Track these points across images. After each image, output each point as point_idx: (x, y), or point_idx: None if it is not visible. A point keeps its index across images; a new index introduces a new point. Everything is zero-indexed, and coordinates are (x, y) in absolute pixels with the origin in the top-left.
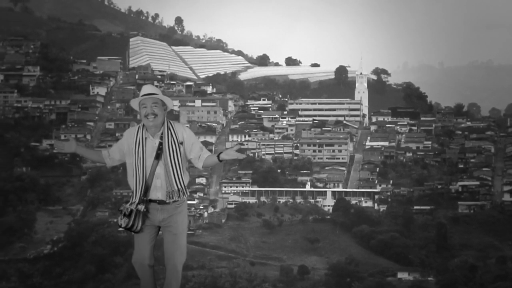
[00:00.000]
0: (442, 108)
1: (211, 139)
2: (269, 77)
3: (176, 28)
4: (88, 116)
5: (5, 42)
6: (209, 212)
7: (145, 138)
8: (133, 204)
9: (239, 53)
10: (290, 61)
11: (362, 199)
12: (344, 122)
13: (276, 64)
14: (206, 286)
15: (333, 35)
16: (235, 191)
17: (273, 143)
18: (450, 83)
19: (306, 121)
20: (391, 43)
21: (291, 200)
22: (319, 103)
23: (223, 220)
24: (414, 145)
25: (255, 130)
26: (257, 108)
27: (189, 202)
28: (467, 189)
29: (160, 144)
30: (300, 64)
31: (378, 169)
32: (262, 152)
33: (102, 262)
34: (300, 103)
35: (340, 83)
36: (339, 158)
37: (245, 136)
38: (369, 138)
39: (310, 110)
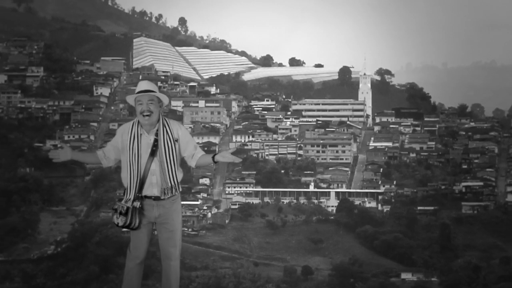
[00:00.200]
0: (445, 108)
1: (215, 139)
2: (273, 77)
3: (179, 28)
4: (92, 117)
5: (8, 43)
6: (212, 212)
7: (140, 134)
8: (128, 202)
9: (243, 53)
10: (294, 62)
11: (366, 199)
12: (348, 122)
13: (280, 65)
14: (209, 286)
15: (336, 36)
16: (238, 192)
17: (277, 143)
18: (453, 84)
19: (310, 121)
20: (395, 44)
21: (295, 200)
22: (322, 104)
23: (226, 221)
24: (418, 145)
25: (259, 131)
26: (261, 108)
27: (192, 202)
28: (470, 189)
29: (155, 140)
30: (303, 64)
31: (381, 169)
32: (266, 153)
33: (105, 262)
34: (304, 104)
35: (344, 84)
36: (342, 159)
37: (248, 137)
38: (372, 138)
39: (313, 110)
